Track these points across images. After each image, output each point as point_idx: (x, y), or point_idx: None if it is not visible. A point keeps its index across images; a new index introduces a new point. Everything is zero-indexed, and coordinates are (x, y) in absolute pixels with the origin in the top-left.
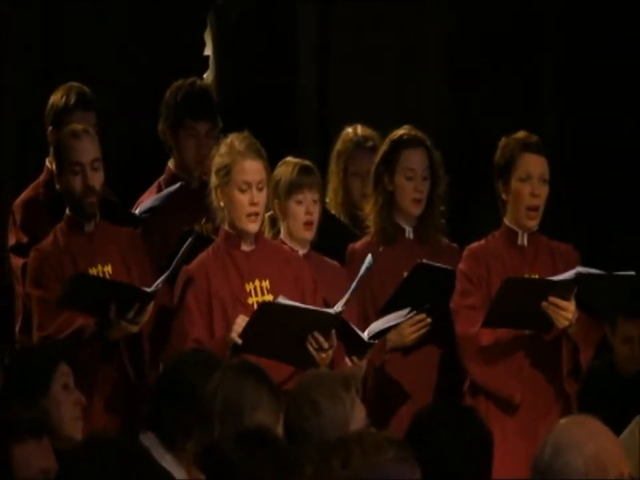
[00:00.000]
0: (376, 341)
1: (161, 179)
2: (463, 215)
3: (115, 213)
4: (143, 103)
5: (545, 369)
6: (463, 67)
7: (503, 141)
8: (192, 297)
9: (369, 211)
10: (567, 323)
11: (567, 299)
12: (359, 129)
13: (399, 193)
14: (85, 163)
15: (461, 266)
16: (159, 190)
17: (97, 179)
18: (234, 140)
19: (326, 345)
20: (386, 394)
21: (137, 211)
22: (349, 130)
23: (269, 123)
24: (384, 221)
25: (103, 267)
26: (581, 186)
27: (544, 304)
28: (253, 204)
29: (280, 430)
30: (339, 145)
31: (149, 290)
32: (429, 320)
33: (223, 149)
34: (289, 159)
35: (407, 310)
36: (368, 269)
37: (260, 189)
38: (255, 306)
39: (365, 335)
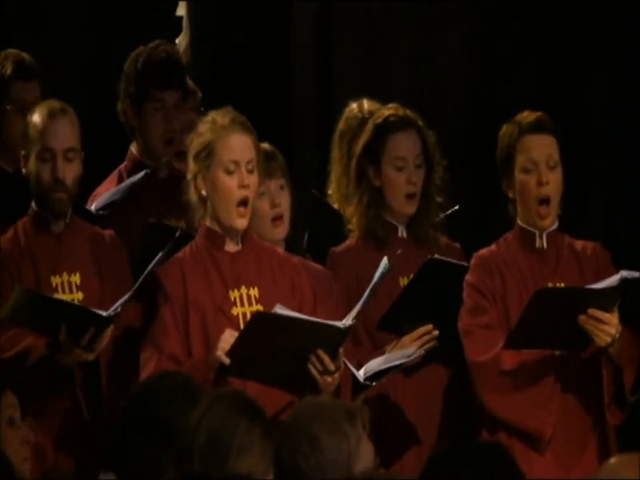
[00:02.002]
0: (373, 384)
1: (122, 166)
2: (487, 211)
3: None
4: (99, 76)
5: (580, 396)
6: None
7: (502, 130)
8: (165, 305)
9: (351, 211)
10: (609, 340)
11: (609, 310)
12: (366, 104)
13: (388, 188)
14: (56, 149)
15: (470, 278)
16: (120, 179)
17: (70, 172)
18: (215, 116)
19: (332, 367)
20: (384, 425)
21: (92, 207)
22: (354, 106)
23: (256, 97)
24: (371, 221)
25: (69, 275)
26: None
27: (582, 317)
28: (242, 186)
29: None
30: (341, 124)
31: (105, 314)
32: (436, 332)
33: (202, 127)
34: None
35: (414, 348)
36: (383, 274)
37: (250, 170)
38: (241, 318)
39: (361, 375)
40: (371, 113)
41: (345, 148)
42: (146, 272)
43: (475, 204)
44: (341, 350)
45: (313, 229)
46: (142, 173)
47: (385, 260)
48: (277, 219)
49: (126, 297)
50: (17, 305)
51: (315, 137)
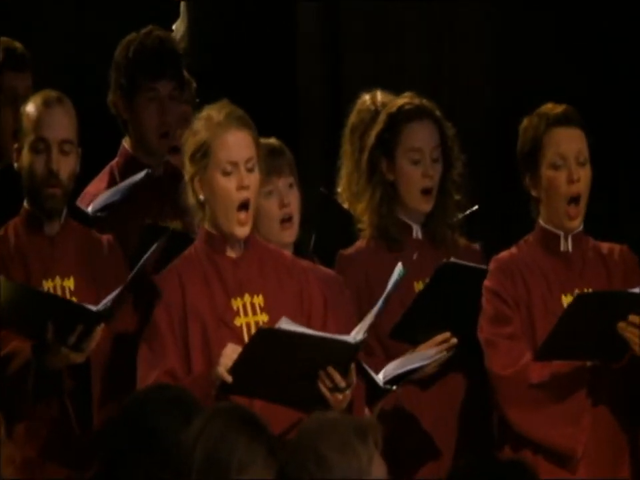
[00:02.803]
0: (394, 388)
1: (113, 163)
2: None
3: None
4: (90, 64)
5: (612, 411)
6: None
7: (524, 122)
8: (162, 315)
9: (362, 208)
10: None
11: None
12: (379, 95)
13: (402, 183)
14: (51, 140)
15: (489, 283)
16: (112, 177)
17: (65, 166)
18: (210, 111)
19: (343, 384)
20: (399, 441)
21: (89, 209)
22: (367, 97)
23: (258, 88)
24: (384, 219)
25: (62, 280)
26: None
27: (621, 325)
28: (242, 187)
29: None
30: (353, 117)
31: (94, 309)
32: (454, 340)
33: (196, 125)
34: None
35: (433, 350)
36: (397, 282)
37: (250, 169)
38: (245, 329)
39: (380, 378)
40: (385, 106)
41: (356, 143)
42: (137, 268)
43: (491, 203)
44: (352, 366)
45: (321, 230)
46: (143, 173)
47: (399, 266)
48: (285, 220)
49: (116, 292)
50: (1, 302)
51: (323, 130)
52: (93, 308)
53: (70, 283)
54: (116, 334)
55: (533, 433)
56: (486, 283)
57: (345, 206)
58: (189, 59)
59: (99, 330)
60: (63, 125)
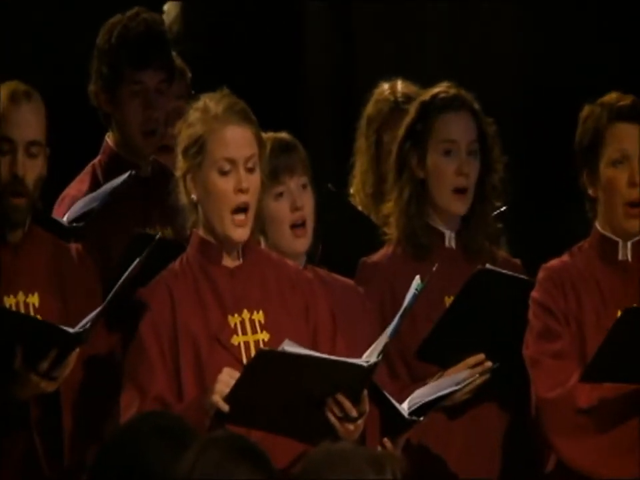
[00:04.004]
0: (421, 419)
1: (96, 161)
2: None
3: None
4: (67, 49)
5: None
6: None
7: (585, 111)
8: (149, 334)
9: (389, 209)
10: None
11: None
12: (400, 85)
13: (434, 179)
14: (17, 141)
15: (537, 294)
16: (94, 177)
17: (32, 171)
18: (207, 102)
19: (354, 413)
20: (422, 477)
21: (64, 218)
22: (385, 87)
23: (260, 76)
24: (412, 222)
25: (26, 296)
26: None
27: None
28: (240, 191)
29: None
30: (370, 108)
31: (72, 330)
32: (488, 363)
33: (192, 116)
34: None
35: (465, 373)
36: (415, 297)
37: (250, 169)
38: (243, 349)
39: (405, 408)
40: (405, 96)
41: (372, 137)
42: (119, 284)
43: (530, 205)
44: (364, 392)
45: (330, 235)
46: (125, 175)
47: (417, 279)
48: (298, 225)
49: (96, 311)
50: None
51: (333, 123)
52: (70, 330)
53: (34, 299)
54: (88, 356)
55: (578, 463)
56: (533, 294)
57: (360, 207)
58: (182, 45)
59: (75, 355)
60: (30, 124)
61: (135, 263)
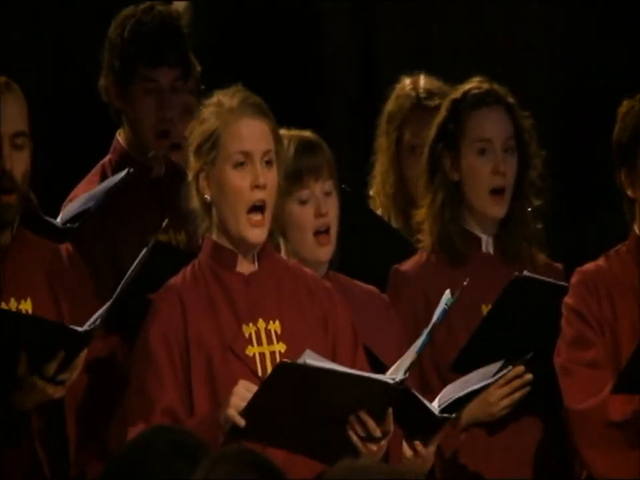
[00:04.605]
0: (452, 416)
1: (106, 160)
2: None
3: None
4: (77, 42)
5: None
6: None
7: (624, 106)
8: (159, 343)
9: (422, 215)
10: None
11: None
12: (422, 80)
13: (468, 181)
14: (2, 133)
15: (570, 300)
16: (103, 177)
17: (19, 164)
18: (221, 97)
19: (378, 433)
20: None
21: (58, 219)
22: (407, 82)
23: (275, 71)
24: (447, 228)
25: (18, 302)
26: None
27: None
28: (256, 187)
29: None
30: (390, 105)
31: (80, 329)
32: (529, 376)
33: (205, 111)
34: (281, 131)
35: (498, 365)
36: (445, 312)
37: (268, 164)
38: (258, 360)
39: (435, 406)
40: (428, 92)
41: (393, 134)
42: (124, 282)
43: (565, 204)
44: (389, 411)
45: (346, 238)
46: (123, 173)
47: (447, 294)
48: (321, 232)
49: (104, 309)
50: None
51: (353, 120)
52: (79, 328)
53: (27, 306)
54: (91, 360)
55: (608, 478)
56: (566, 299)
57: (379, 211)
58: (192, 38)
59: (83, 356)
60: (14, 115)
61: (136, 262)
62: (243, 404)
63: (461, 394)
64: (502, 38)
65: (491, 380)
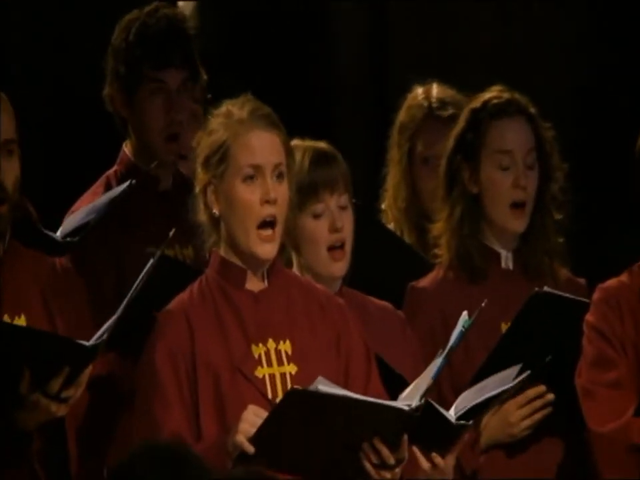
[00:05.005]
0: (470, 423)
1: (111, 172)
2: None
3: (25, 235)
4: (80, 50)
5: None
6: None
7: None
8: (165, 364)
9: (439, 229)
10: None
11: None
12: (435, 89)
13: (488, 195)
14: None
15: (592, 318)
16: (108, 189)
17: (10, 171)
18: (231, 107)
19: (392, 460)
20: None
21: (58, 232)
22: (419, 91)
23: (282, 77)
24: (465, 243)
25: (12, 318)
26: None
27: None
28: (267, 202)
29: None
30: (402, 115)
31: (87, 344)
32: (550, 396)
33: (213, 122)
34: (295, 142)
35: (516, 369)
36: (462, 335)
37: (279, 178)
38: (268, 382)
39: (452, 414)
40: (441, 101)
41: (405, 146)
42: (128, 297)
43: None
44: (404, 437)
45: (359, 256)
46: (125, 185)
47: (464, 315)
48: (335, 248)
49: (109, 322)
50: None
51: (363, 131)
52: (86, 343)
53: (21, 322)
54: (91, 376)
55: None
56: (587, 317)
57: (391, 226)
58: (198, 41)
59: (88, 372)
60: (3, 122)
61: (141, 276)
62: (252, 430)
63: (478, 400)
64: (521, 43)
65: (509, 385)
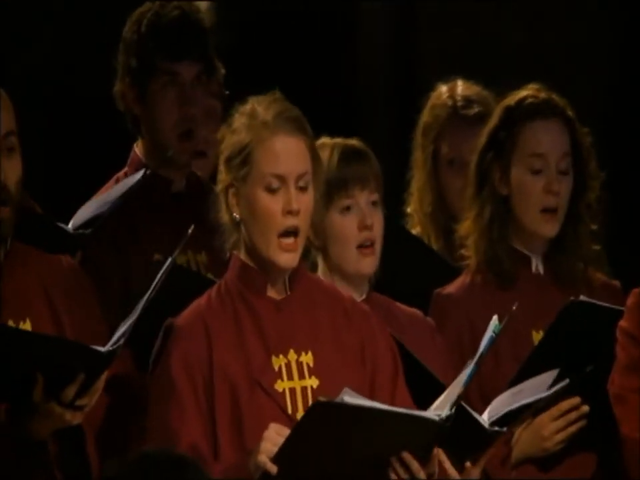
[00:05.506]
0: (504, 429)
1: (121, 174)
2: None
3: (34, 230)
4: (88, 46)
5: None
6: None
7: None
8: (182, 375)
9: (466, 229)
10: None
11: None
12: (460, 86)
13: (519, 198)
14: None
15: (624, 323)
16: None
17: (12, 168)
18: (256, 106)
19: (422, 475)
20: None
21: (69, 225)
22: (443, 89)
23: (303, 75)
24: (494, 246)
25: (16, 324)
26: None
27: None
28: (289, 213)
29: None
30: (426, 115)
31: (103, 350)
32: (585, 408)
33: (237, 121)
34: (323, 140)
35: (553, 375)
36: (492, 340)
37: (302, 188)
38: (288, 396)
39: (485, 419)
40: (466, 99)
41: (429, 148)
42: (143, 303)
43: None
44: (435, 450)
45: (384, 263)
46: (139, 175)
47: (494, 320)
48: (365, 246)
49: (126, 326)
50: None
51: (390, 132)
52: (101, 349)
53: (27, 326)
54: (111, 379)
55: None
56: (621, 323)
57: (416, 231)
58: (215, 38)
59: (104, 378)
60: (2, 115)
61: (154, 285)
62: (275, 449)
63: (513, 407)
64: (554, 40)
65: (545, 394)
